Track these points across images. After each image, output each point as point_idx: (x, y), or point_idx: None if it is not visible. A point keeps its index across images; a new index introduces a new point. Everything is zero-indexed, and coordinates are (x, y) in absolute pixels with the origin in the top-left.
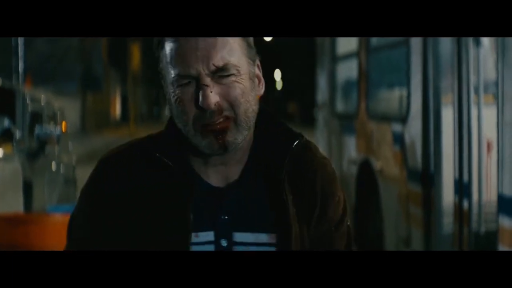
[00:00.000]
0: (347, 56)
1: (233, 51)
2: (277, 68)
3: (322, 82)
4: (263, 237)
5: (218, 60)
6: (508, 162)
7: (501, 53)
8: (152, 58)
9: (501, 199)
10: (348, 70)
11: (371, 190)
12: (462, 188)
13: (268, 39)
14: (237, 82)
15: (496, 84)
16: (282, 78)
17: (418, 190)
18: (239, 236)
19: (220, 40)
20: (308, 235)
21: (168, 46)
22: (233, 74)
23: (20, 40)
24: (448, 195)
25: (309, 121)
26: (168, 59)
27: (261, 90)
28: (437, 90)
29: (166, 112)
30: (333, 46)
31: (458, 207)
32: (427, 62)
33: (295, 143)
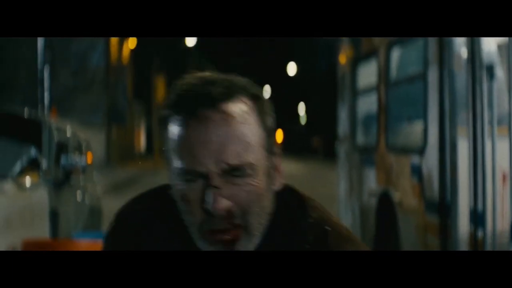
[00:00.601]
0: (367, 90)
1: (250, 146)
2: (301, 101)
3: (343, 115)
4: None
5: (232, 158)
6: None
7: (510, 87)
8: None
9: None
10: (368, 104)
11: (391, 222)
12: (477, 219)
13: (291, 74)
14: (252, 184)
15: (509, 116)
16: (306, 112)
17: (435, 220)
18: None
19: (236, 132)
20: None
21: (175, 129)
22: (248, 175)
23: (46, 72)
24: (463, 225)
25: (332, 155)
26: (174, 146)
27: (279, 185)
28: (453, 123)
29: None
30: (353, 79)
31: (473, 237)
32: (443, 96)
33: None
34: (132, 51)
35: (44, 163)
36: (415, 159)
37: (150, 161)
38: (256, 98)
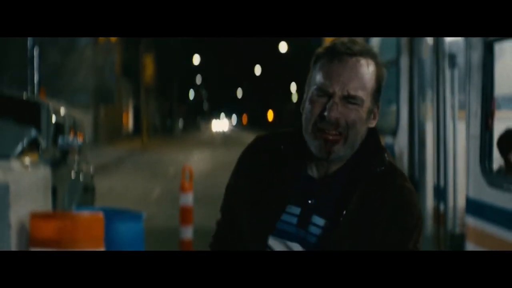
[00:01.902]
0: None
1: (365, 88)
2: (293, 81)
3: None
4: (329, 224)
5: (352, 89)
6: (472, 169)
7: (468, 75)
8: (164, 70)
9: (468, 202)
10: None
11: None
12: (439, 194)
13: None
14: (358, 111)
15: (466, 101)
16: (297, 91)
17: None
18: (314, 219)
19: (359, 75)
20: (362, 240)
21: (324, 64)
22: (357, 104)
23: (35, 52)
24: (430, 200)
25: None
26: (317, 73)
27: (374, 123)
28: (421, 106)
29: (180, 125)
30: None
31: (436, 212)
32: (413, 81)
33: (379, 169)
34: None
35: (43, 144)
36: (389, 139)
37: (138, 140)
38: (378, 64)
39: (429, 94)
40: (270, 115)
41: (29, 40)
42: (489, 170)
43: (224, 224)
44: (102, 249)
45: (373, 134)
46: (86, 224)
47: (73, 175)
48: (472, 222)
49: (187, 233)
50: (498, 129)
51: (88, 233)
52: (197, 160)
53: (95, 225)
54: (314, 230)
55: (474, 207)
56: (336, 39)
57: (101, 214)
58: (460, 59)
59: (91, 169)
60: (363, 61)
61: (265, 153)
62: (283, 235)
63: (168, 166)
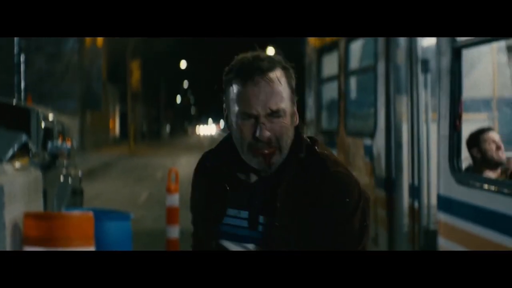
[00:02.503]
0: (330, 79)
1: (283, 98)
2: None
3: (310, 101)
4: (273, 221)
5: (273, 105)
6: (442, 168)
7: (438, 79)
8: (151, 76)
9: (439, 199)
10: (331, 91)
11: None
12: (414, 192)
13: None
14: (284, 122)
15: (436, 104)
16: None
17: (383, 195)
18: (261, 219)
19: (276, 89)
20: (305, 226)
21: (235, 87)
22: (281, 116)
23: (22, 59)
24: (406, 198)
25: None
26: (235, 97)
27: (296, 121)
28: (397, 110)
29: (167, 130)
30: (318, 69)
31: (411, 209)
32: (389, 86)
33: (304, 158)
34: None
35: (33, 148)
36: (367, 141)
37: (125, 146)
38: (286, 69)
39: (405, 98)
40: None
41: (15, 47)
42: (458, 168)
43: (193, 234)
44: (92, 247)
45: (296, 131)
46: (77, 223)
47: (62, 179)
48: (443, 218)
49: (174, 232)
50: (466, 130)
51: (79, 232)
52: (185, 164)
53: (85, 224)
54: (262, 229)
55: (445, 203)
56: (242, 57)
57: (91, 214)
58: (433, 65)
59: (79, 173)
60: (273, 75)
61: (209, 167)
62: (237, 239)
63: (155, 170)
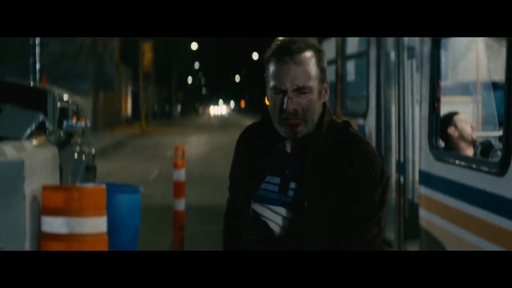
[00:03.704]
0: (329, 62)
1: (310, 77)
2: None
3: None
4: (303, 188)
5: (300, 82)
6: (423, 146)
7: (420, 66)
8: (163, 57)
9: (420, 174)
10: (329, 74)
11: None
12: (401, 168)
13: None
14: (310, 97)
15: (419, 88)
16: None
17: None
18: (292, 184)
19: (304, 69)
20: (335, 196)
21: (270, 66)
22: (307, 92)
23: (36, 41)
24: (393, 173)
25: None
26: (270, 74)
27: (326, 97)
28: (386, 93)
29: (178, 110)
30: None
31: (398, 183)
32: (380, 70)
33: (338, 133)
34: None
35: (50, 127)
36: (360, 121)
37: (137, 125)
38: (317, 51)
39: (393, 82)
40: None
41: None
42: (436, 146)
43: (228, 200)
44: (104, 216)
45: (324, 107)
46: (90, 194)
47: (76, 156)
48: (423, 191)
49: (180, 205)
50: (444, 111)
51: (92, 202)
52: (194, 143)
53: (98, 195)
54: (291, 193)
55: (425, 178)
56: (279, 39)
57: (103, 186)
58: (417, 52)
59: (93, 151)
60: (302, 56)
61: (249, 139)
62: (268, 201)
63: (166, 149)
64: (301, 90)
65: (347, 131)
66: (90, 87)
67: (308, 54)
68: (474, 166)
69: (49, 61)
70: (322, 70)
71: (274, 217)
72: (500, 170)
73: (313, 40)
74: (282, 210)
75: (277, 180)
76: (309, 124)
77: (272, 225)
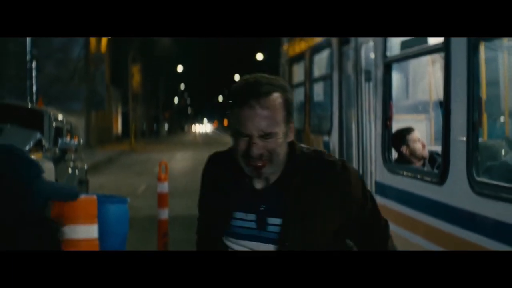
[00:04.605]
0: (299, 84)
1: (277, 122)
2: None
3: None
4: (279, 221)
5: (266, 129)
6: (378, 159)
7: (375, 87)
8: (151, 79)
9: (375, 184)
10: (299, 95)
11: None
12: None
13: (260, 59)
14: (276, 141)
15: (373, 107)
16: None
17: None
18: (270, 220)
19: (270, 114)
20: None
21: (235, 107)
22: (273, 137)
23: (34, 65)
24: None
25: None
26: (234, 116)
27: (292, 136)
28: (347, 112)
29: (165, 128)
30: (290, 75)
31: None
32: (341, 92)
33: (308, 165)
34: (109, 41)
35: (46, 144)
36: (325, 137)
37: (127, 143)
38: (285, 92)
39: (353, 102)
40: None
41: (28, 54)
42: (388, 159)
43: (198, 223)
44: (95, 224)
45: (290, 145)
46: (83, 204)
47: (70, 171)
48: (379, 200)
49: (164, 214)
50: (398, 128)
51: (84, 211)
52: (180, 159)
53: (90, 205)
54: (273, 228)
55: (379, 188)
56: (245, 78)
57: (94, 197)
58: (373, 75)
59: (85, 166)
60: (269, 100)
61: (215, 170)
62: (245, 238)
63: (153, 165)
64: (266, 136)
65: (322, 159)
66: (83, 107)
67: (275, 96)
68: (419, 176)
69: (44, 83)
70: (288, 112)
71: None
72: (440, 180)
73: (279, 79)
74: (264, 246)
75: (252, 216)
76: (273, 165)
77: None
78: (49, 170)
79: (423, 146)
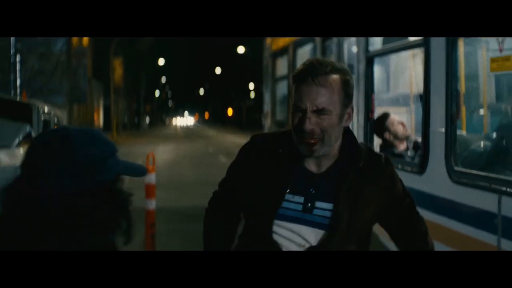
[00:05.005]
0: (282, 78)
1: (332, 100)
2: (251, 81)
3: (267, 97)
4: (330, 206)
5: (319, 104)
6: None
7: (357, 81)
8: (132, 72)
9: None
10: (282, 89)
11: None
12: None
13: (242, 52)
14: (329, 119)
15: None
16: (254, 89)
17: None
18: (318, 204)
19: (326, 91)
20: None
21: (296, 84)
22: (327, 114)
23: (18, 58)
24: None
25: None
26: (293, 92)
27: (349, 122)
28: None
29: (147, 121)
30: (273, 69)
31: None
32: None
33: (362, 161)
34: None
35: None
36: None
37: (109, 136)
38: (344, 75)
39: None
40: (230, 111)
41: (12, 48)
42: None
43: (219, 194)
44: None
45: (348, 131)
46: None
47: None
48: None
49: (151, 204)
50: (376, 116)
51: None
52: (161, 151)
53: None
54: (320, 212)
55: None
56: (310, 59)
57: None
58: (355, 69)
59: None
60: (326, 79)
61: (265, 152)
62: (287, 219)
63: (136, 158)
64: (320, 112)
65: (371, 152)
66: (65, 100)
67: (334, 77)
68: (400, 166)
69: (27, 77)
70: (346, 95)
71: (290, 235)
72: (420, 170)
73: (342, 65)
74: (306, 229)
75: (300, 199)
76: (325, 145)
77: (286, 243)
78: None
79: (403, 125)
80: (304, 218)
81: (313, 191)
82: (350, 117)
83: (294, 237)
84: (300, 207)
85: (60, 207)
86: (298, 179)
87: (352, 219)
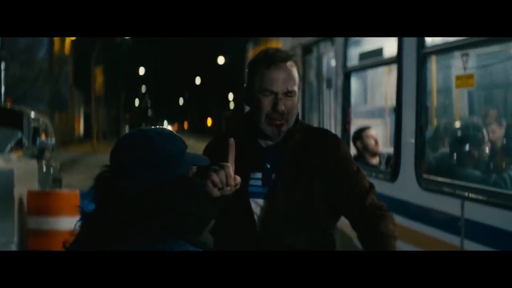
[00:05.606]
0: None
1: (295, 82)
2: (230, 91)
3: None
4: (287, 177)
5: (290, 86)
6: None
7: (335, 94)
8: (112, 81)
9: None
10: None
11: None
12: None
13: (221, 63)
14: (294, 100)
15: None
16: (234, 100)
17: None
18: (273, 176)
19: (291, 74)
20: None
21: (261, 70)
22: (293, 96)
23: (3, 66)
24: None
25: None
26: (259, 77)
27: (298, 103)
28: (311, 117)
29: (126, 130)
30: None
31: None
32: (305, 99)
33: (304, 129)
34: (73, 42)
35: (26, 143)
36: None
37: (89, 144)
38: (295, 60)
39: (316, 107)
40: (209, 121)
41: None
42: None
43: None
44: (78, 215)
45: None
46: (68, 197)
47: (45, 169)
48: None
49: None
50: (356, 127)
51: (68, 204)
52: None
53: (73, 198)
54: (271, 183)
55: None
56: (266, 49)
57: (77, 191)
58: (333, 83)
59: (58, 165)
60: (289, 64)
61: (223, 144)
62: (252, 195)
63: None
64: (289, 94)
65: (316, 127)
66: (46, 108)
67: (292, 62)
68: (373, 175)
69: (9, 84)
70: (300, 78)
71: (255, 209)
72: (392, 178)
73: (292, 52)
74: (261, 202)
75: (258, 174)
76: (288, 125)
77: (253, 218)
78: (32, 167)
79: (376, 142)
80: (263, 192)
81: (269, 166)
82: (299, 98)
83: (257, 210)
84: (260, 183)
85: (155, 198)
86: (255, 156)
87: (290, 186)
